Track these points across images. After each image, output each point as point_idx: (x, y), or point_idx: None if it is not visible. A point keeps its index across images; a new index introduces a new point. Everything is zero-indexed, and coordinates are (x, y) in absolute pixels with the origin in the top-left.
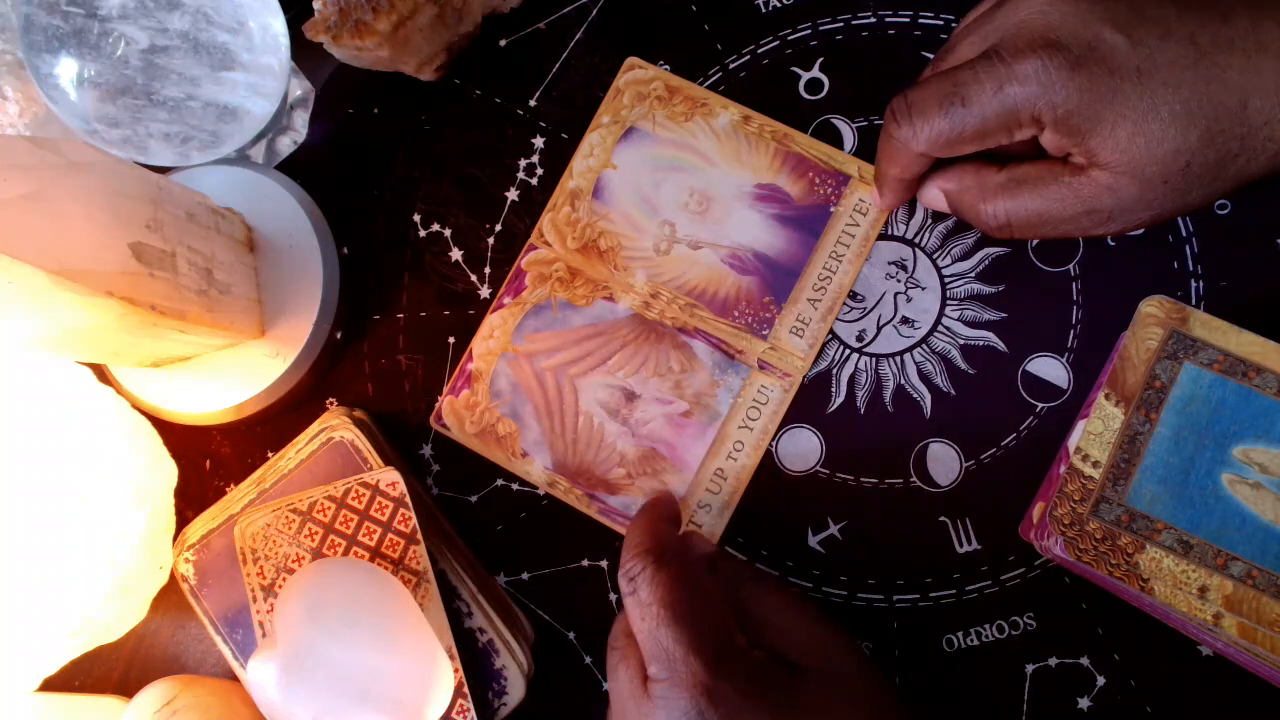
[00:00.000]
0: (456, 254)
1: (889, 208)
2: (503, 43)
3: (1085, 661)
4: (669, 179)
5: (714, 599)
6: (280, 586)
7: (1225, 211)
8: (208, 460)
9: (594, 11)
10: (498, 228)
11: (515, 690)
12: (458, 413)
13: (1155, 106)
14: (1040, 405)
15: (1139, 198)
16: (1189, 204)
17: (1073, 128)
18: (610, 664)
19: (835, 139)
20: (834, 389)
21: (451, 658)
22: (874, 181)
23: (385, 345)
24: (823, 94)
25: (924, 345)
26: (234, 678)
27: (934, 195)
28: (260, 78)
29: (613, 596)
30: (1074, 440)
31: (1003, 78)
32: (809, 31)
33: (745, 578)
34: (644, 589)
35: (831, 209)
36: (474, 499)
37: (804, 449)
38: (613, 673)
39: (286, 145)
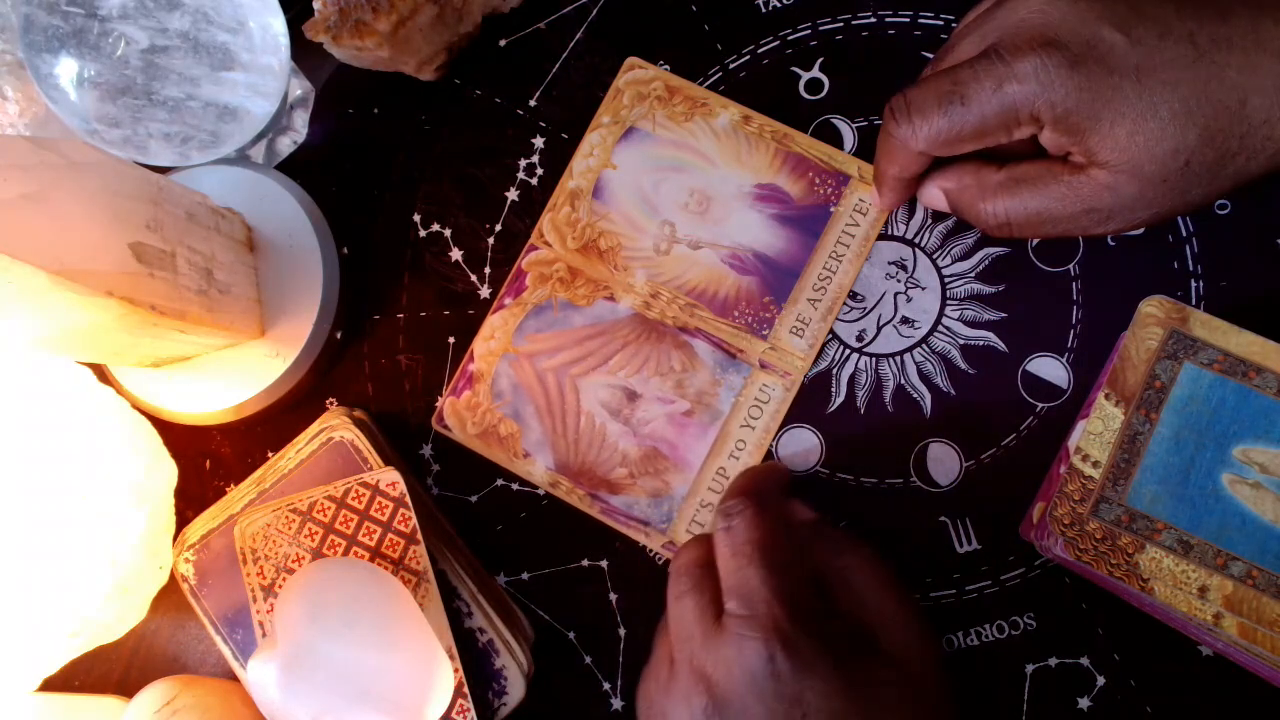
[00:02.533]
0: (456, 254)
1: (889, 207)
2: (503, 43)
3: (1085, 661)
4: (669, 179)
5: (802, 561)
6: (280, 586)
7: (1225, 211)
8: (208, 460)
9: (594, 11)
10: (498, 228)
11: (515, 690)
12: (459, 414)
13: (1154, 105)
14: (1040, 405)
15: (1138, 196)
16: (1188, 203)
17: (1071, 126)
18: (675, 591)
19: (835, 139)
20: (834, 389)
21: (451, 658)
22: (873, 181)
23: (385, 345)
24: (823, 94)
25: (924, 345)
26: (234, 678)
27: (933, 194)
28: (260, 78)
29: (613, 596)
30: (1074, 440)
31: (1002, 76)
32: (809, 31)
33: (848, 546)
34: (740, 527)
35: (831, 209)
36: (474, 499)
37: (804, 449)
38: (678, 600)
39: (286, 145)
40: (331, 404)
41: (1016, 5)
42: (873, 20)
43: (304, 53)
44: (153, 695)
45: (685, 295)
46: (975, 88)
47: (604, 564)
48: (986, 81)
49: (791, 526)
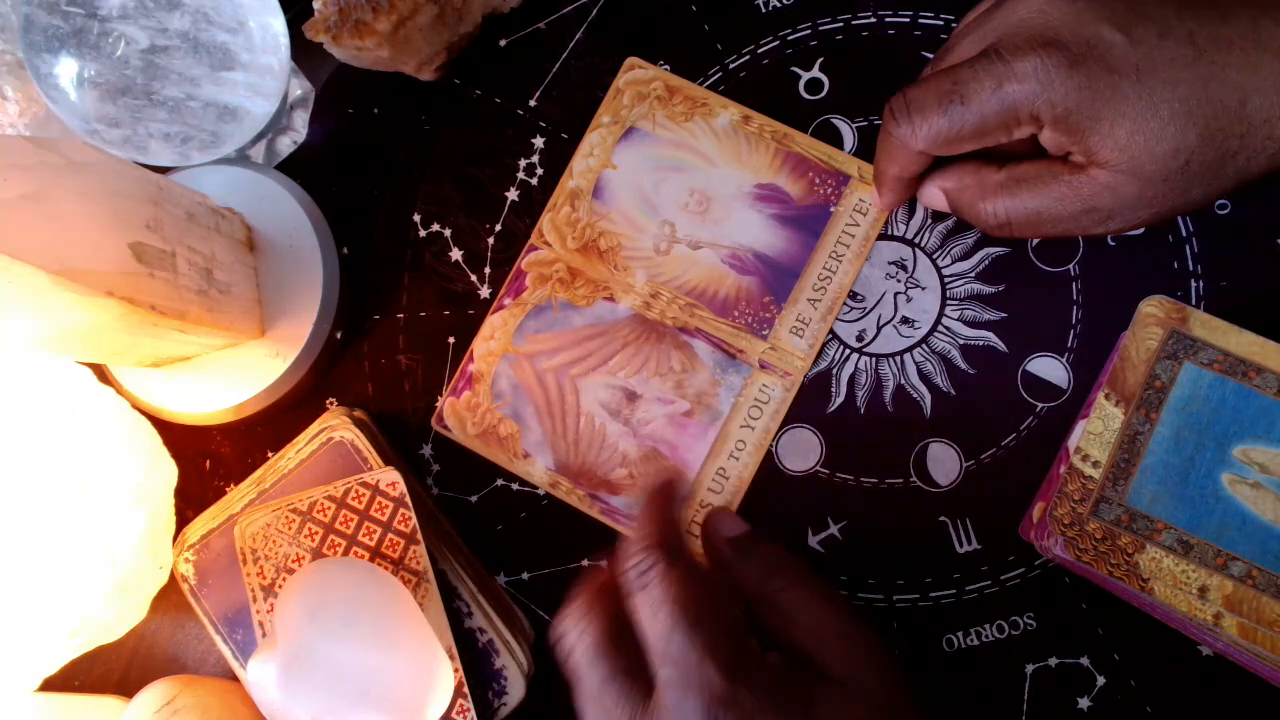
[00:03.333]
0: (456, 254)
1: (888, 207)
2: (503, 43)
3: (1085, 661)
4: (669, 179)
5: (726, 601)
6: (280, 586)
7: (1225, 211)
8: (208, 460)
9: (594, 11)
10: (498, 228)
11: (515, 690)
12: (459, 414)
13: (1154, 105)
14: (1040, 405)
15: (1138, 196)
16: (1189, 203)
17: (1071, 126)
18: (596, 678)
19: (835, 139)
20: (834, 389)
21: (451, 658)
22: (873, 180)
23: (385, 345)
24: (823, 94)
25: (924, 345)
26: (234, 678)
27: (933, 194)
28: (260, 78)
29: None
30: (1074, 440)
31: (1002, 76)
32: (809, 31)
33: (775, 566)
34: (656, 586)
35: (831, 209)
36: (474, 499)
37: (804, 449)
38: (603, 686)
39: (286, 145)
40: (331, 404)
41: (1016, 5)
42: (873, 20)
43: (304, 53)
44: (153, 695)
45: (685, 295)
46: (975, 87)
47: (604, 564)
48: (986, 81)
49: (715, 544)
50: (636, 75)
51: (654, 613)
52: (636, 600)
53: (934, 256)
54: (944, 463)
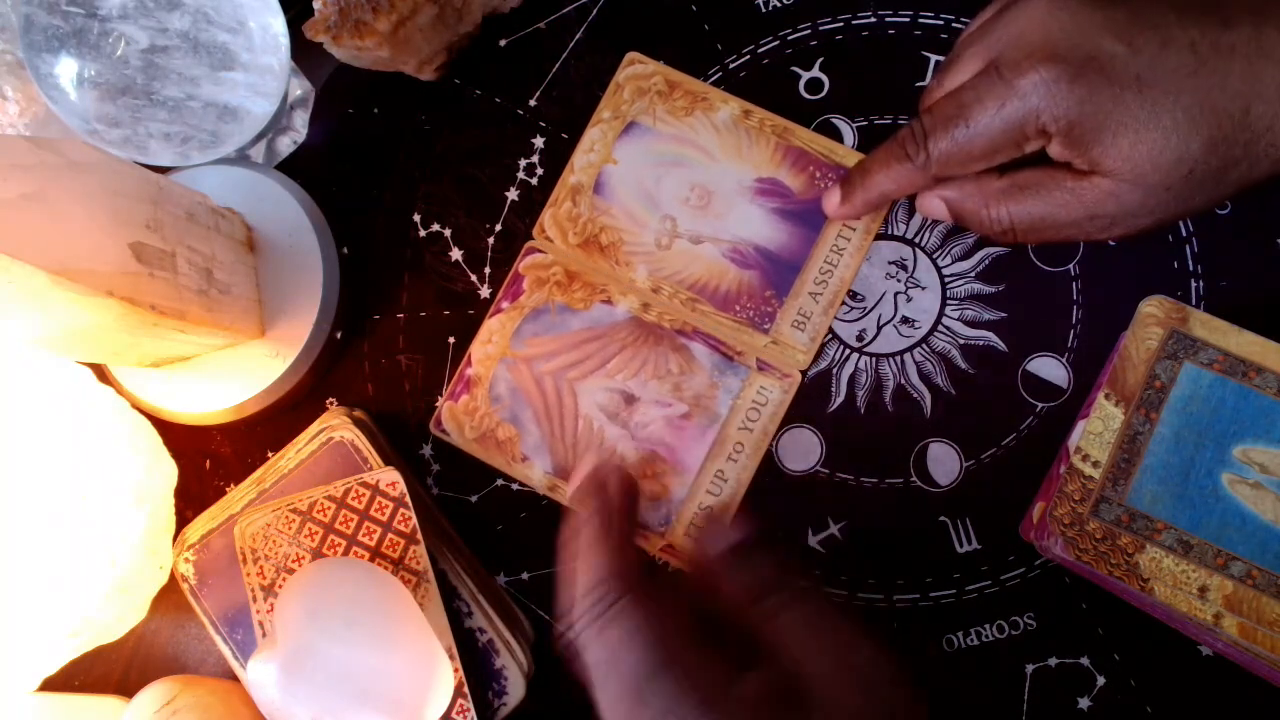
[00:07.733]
0: (456, 254)
1: (847, 217)
2: (503, 43)
3: (1085, 661)
4: (670, 174)
5: (694, 630)
6: (280, 586)
7: (1225, 211)
8: (208, 460)
9: (594, 11)
10: (498, 228)
11: (515, 690)
12: (457, 418)
13: (1157, 115)
14: (1040, 405)
15: (1141, 204)
16: (1191, 209)
17: (1075, 138)
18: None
19: (835, 139)
20: (834, 389)
21: (451, 658)
22: (848, 184)
23: (385, 345)
24: (823, 94)
25: (924, 345)
26: (234, 678)
27: (934, 205)
28: (260, 78)
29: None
30: (1074, 440)
31: (1004, 95)
32: (809, 31)
33: (772, 582)
34: (615, 626)
35: None
36: (474, 499)
37: (804, 449)
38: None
39: (286, 145)
40: (331, 404)
41: (1017, 15)
42: (873, 20)
43: (304, 53)
44: (153, 695)
45: (687, 290)
46: (979, 110)
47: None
48: (989, 103)
49: (704, 564)
50: (637, 70)
51: (614, 657)
52: (594, 641)
53: (934, 256)
54: (944, 463)
